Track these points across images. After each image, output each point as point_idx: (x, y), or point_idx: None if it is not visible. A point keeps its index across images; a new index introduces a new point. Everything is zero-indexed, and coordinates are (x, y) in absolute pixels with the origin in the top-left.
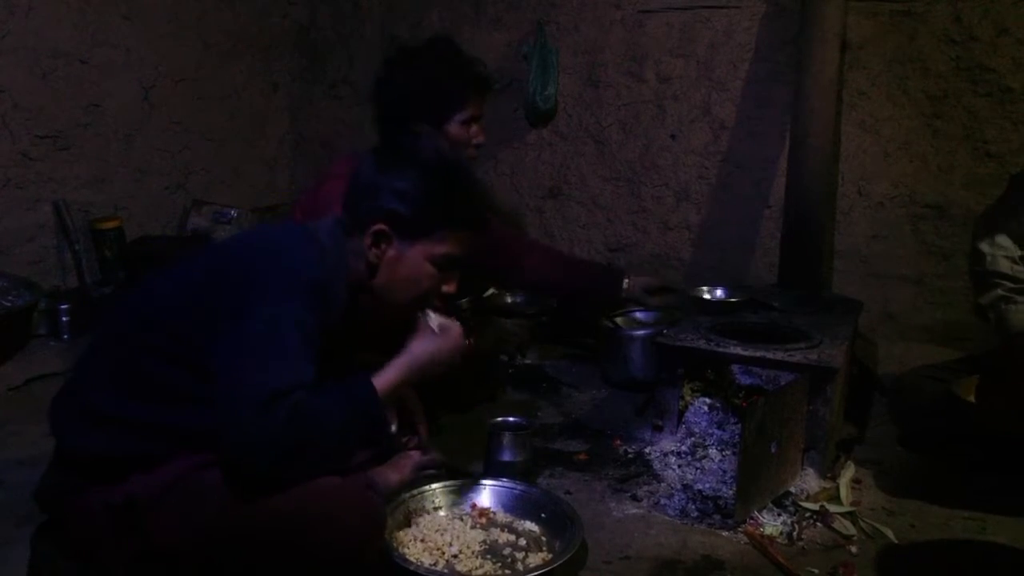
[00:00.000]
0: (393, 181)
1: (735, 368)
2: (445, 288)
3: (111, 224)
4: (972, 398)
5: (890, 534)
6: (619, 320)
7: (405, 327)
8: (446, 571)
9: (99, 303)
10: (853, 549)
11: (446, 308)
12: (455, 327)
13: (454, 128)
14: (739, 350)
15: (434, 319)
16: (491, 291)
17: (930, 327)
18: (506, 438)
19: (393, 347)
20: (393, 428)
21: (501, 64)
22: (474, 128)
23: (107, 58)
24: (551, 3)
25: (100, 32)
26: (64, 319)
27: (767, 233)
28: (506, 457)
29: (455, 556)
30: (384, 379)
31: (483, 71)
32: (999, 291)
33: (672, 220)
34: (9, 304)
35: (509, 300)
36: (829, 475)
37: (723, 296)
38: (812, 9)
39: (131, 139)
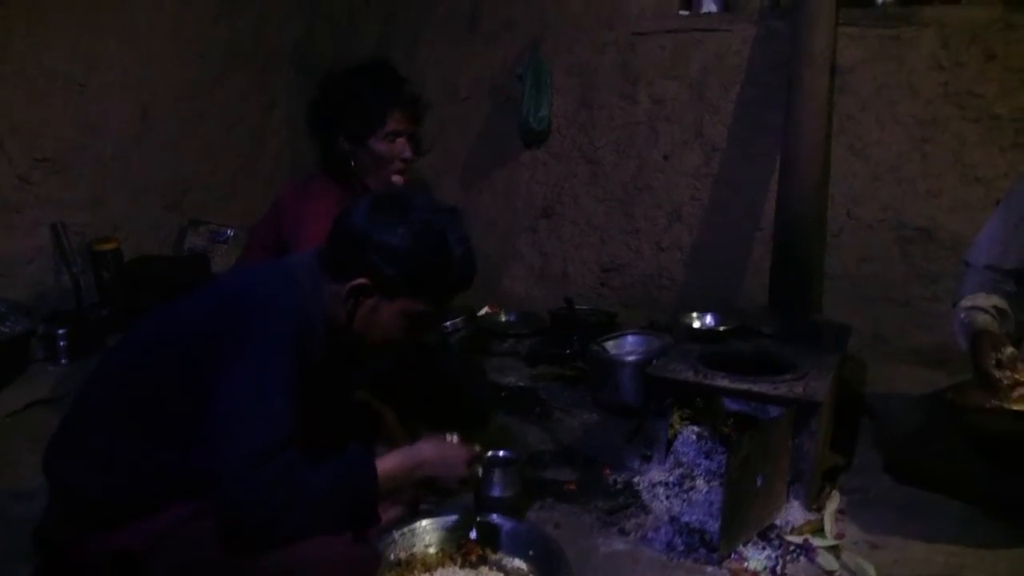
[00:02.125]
0: (382, 238)
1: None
2: (413, 337)
3: (109, 246)
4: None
5: (871, 571)
6: (609, 345)
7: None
8: None
9: (97, 325)
10: None
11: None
12: (465, 451)
13: (377, 143)
14: (727, 383)
15: (454, 438)
16: (484, 310)
17: (918, 349)
18: (496, 474)
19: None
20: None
21: (496, 82)
22: (399, 142)
23: (104, 79)
24: (545, 23)
25: (96, 54)
26: (62, 343)
27: (758, 254)
28: (496, 492)
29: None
30: (386, 466)
31: (407, 89)
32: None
33: (665, 240)
34: (7, 330)
35: (503, 319)
36: (814, 506)
37: (713, 323)
38: (802, 34)
39: (128, 160)
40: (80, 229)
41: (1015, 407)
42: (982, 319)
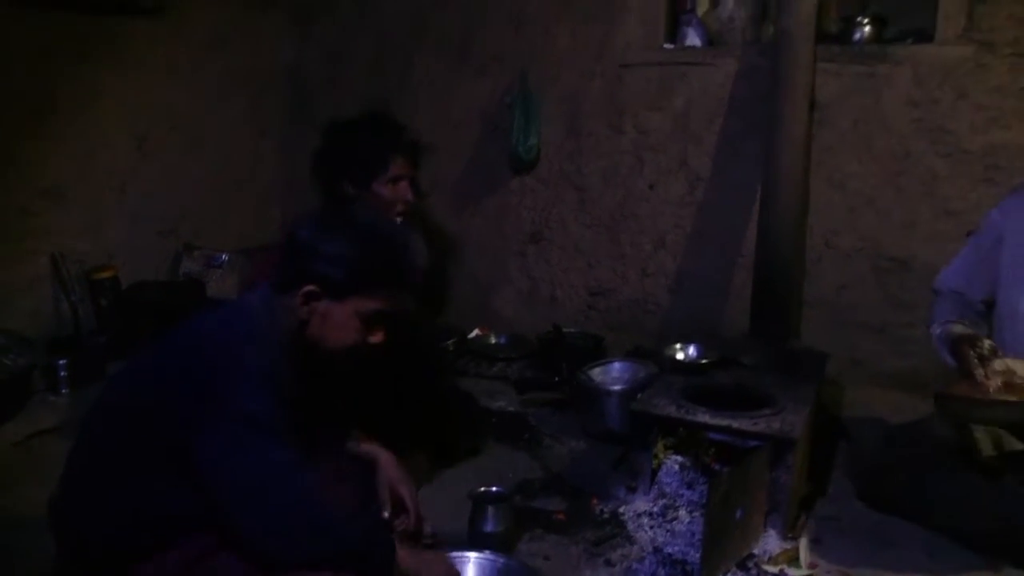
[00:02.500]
0: (326, 246)
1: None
2: (372, 339)
3: (106, 274)
4: None
5: None
6: (595, 373)
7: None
8: None
9: (96, 353)
10: None
11: (377, 357)
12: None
13: (381, 187)
14: (707, 418)
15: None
16: (475, 332)
17: (894, 374)
18: (488, 511)
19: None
20: (386, 514)
21: (485, 111)
22: (401, 185)
23: (101, 108)
24: (533, 55)
25: (94, 83)
26: (62, 374)
27: (740, 281)
28: (488, 528)
29: None
30: (403, 558)
31: (407, 136)
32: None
33: (650, 267)
34: (10, 363)
35: (492, 342)
36: (790, 535)
37: (695, 355)
38: (782, 69)
39: (124, 188)
40: (78, 258)
41: (1000, 397)
42: (958, 328)
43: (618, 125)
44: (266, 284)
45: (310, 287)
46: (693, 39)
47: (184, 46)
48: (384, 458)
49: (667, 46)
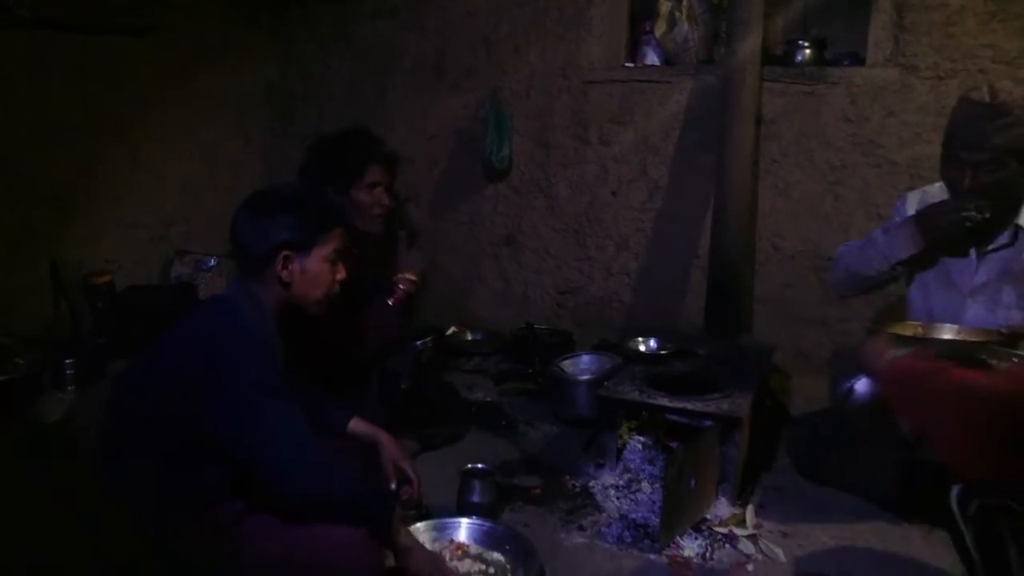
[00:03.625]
0: (276, 217)
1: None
2: (339, 277)
3: (103, 279)
4: None
5: (780, 554)
6: (566, 364)
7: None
8: None
9: (97, 353)
10: (750, 567)
11: (345, 296)
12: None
13: (359, 193)
14: (666, 401)
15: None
16: (452, 329)
17: None
18: (475, 484)
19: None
20: (392, 485)
21: (460, 125)
22: (377, 191)
23: (96, 122)
24: (504, 72)
25: (90, 99)
26: (68, 372)
27: (696, 279)
28: (475, 499)
29: None
30: (400, 535)
31: (383, 148)
32: None
33: (614, 267)
34: (23, 363)
35: (469, 338)
36: (739, 502)
37: (656, 347)
38: (732, 89)
39: (119, 197)
40: (76, 263)
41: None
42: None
43: (584, 137)
44: (236, 279)
45: (285, 252)
46: (652, 58)
47: (173, 63)
48: (386, 438)
49: (628, 65)
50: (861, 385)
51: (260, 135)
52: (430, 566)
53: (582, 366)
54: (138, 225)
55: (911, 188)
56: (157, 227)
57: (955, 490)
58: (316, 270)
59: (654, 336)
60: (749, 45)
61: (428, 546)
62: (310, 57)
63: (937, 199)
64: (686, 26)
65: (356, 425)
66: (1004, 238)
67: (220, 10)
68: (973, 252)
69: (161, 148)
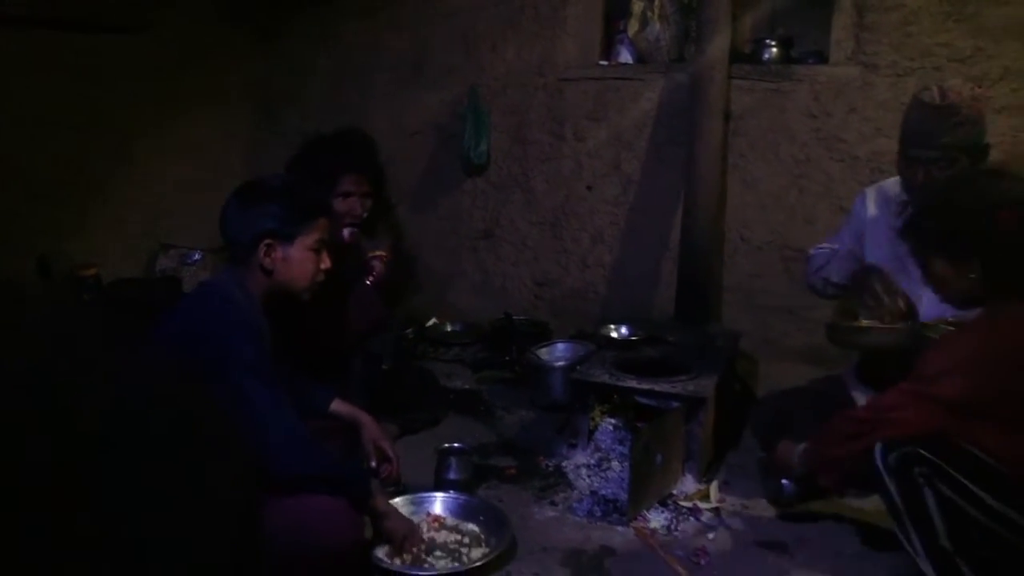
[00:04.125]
0: (262, 207)
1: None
2: (323, 266)
3: (90, 272)
4: None
5: (741, 524)
6: (542, 352)
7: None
8: (412, 569)
9: None
10: (711, 536)
11: (328, 285)
12: (416, 534)
13: (332, 201)
14: (634, 383)
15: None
16: (432, 321)
17: (799, 350)
18: (452, 460)
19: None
20: (373, 463)
21: (439, 122)
22: (350, 200)
23: (85, 118)
24: (482, 70)
25: (79, 95)
26: None
27: (667, 271)
28: (452, 475)
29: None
30: (377, 502)
31: (361, 156)
32: None
33: (589, 259)
34: None
35: (448, 329)
36: (705, 478)
37: (627, 333)
38: (701, 86)
39: (107, 193)
40: (64, 257)
41: (883, 325)
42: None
43: (559, 133)
44: (224, 266)
45: (267, 241)
46: (625, 57)
47: (161, 60)
48: (366, 419)
49: (602, 63)
50: (787, 483)
51: (244, 132)
52: (404, 528)
53: (557, 353)
54: (125, 220)
55: (873, 181)
56: (143, 221)
57: (878, 447)
58: (299, 258)
59: (626, 324)
60: (718, 44)
61: None
62: (294, 56)
63: (892, 193)
64: (658, 25)
65: (338, 406)
66: None
67: (208, 9)
68: None
69: (148, 144)
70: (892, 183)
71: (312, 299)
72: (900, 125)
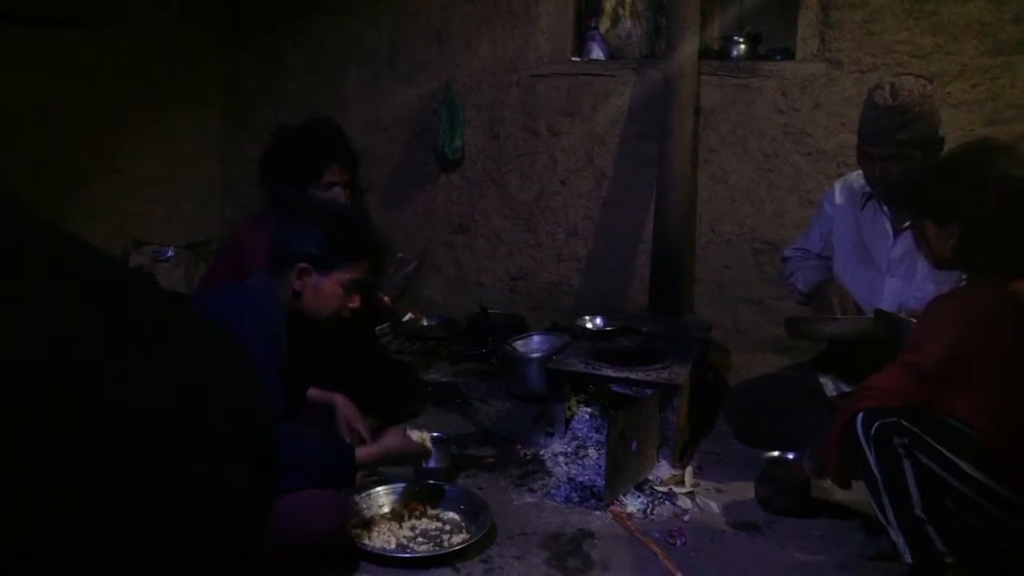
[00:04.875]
0: (309, 230)
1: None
2: (351, 305)
3: None
4: None
5: (715, 507)
6: (518, 344)
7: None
8: (394, 551)
9: None
10: (686, 518)
11: (355, 320)
12: (421, 444)
13: (315, 191)
14: (609, 372)
15: (415, 434)
16: (408, 316)
17: (769, 340)
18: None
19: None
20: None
21: (413, 117)
22: (334, 191)
23: (53, 115)
24: (456, 64)
25: (46, 92)
26: None
27: (641, 264)
28: (432, 464)
29: (400, 540)
30: (364, 453)
31: (342, 146)
32: None
33: (564, 253)
34: None
35: (425, 323)
36: (679, 464)
37: (602, 324)
38: (672, 82)
39: (79, 189)
40: None
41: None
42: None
43: (533, 128)
44: (262, 269)
45: (302, 264)
46: (597, 53)
47: (129, 56)
48: (341, 401)
49: (574, 59)
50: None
51: (217, 128)
52: (407, 449)
53: (533, 345)
54: (96, 216)
55: (839, 174)
56: (114, 218)
57: (860, 416)
58: (329, 292)
59: (601, 316)
60: (688, 41)
61: (386, 509)
62: (267, 51)
63: (857, 185)
64: (629, 22)
65: (313, 393)
66: None
67: (177, 3)
68: (890, 230)
69: (118, 140)
70: (857, 176)
71: (329, 332)
72: (858, 122)
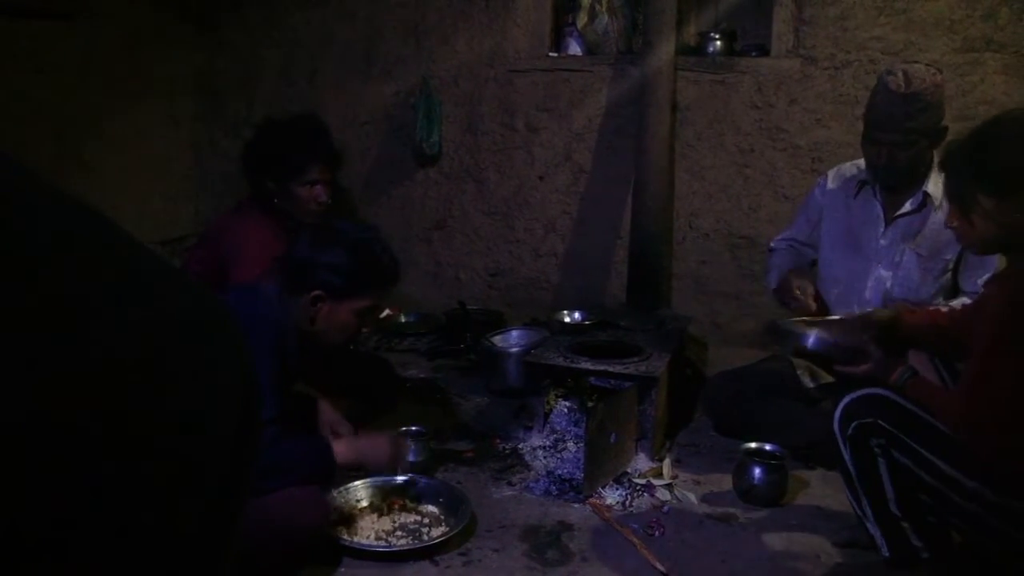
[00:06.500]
0: (325, 258)
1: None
2: (363, 329)
3: None
4: None
5: (693, 498)
6: (497, 339)
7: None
8: (374, 545)
9: None
10: (665, 509)
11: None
12: (392, 446)
13: (297, 188)
14: (588, 365)
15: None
16: (386, 312)
17: (746, 333)
18: (410, 444)
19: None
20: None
21: (390, 112)
22: (316, 188)
23: (20, 108)
24: (433, 60)
25: (12, 84)
26: None
27: (619, 259)
28: (411, 458)
29: (379, 534)
30: (339, 450)
31: (326, 144)
32: None
33: (542, 249)
34: None
35: (403, 320)
36: (658, 456)
37: (580, 319)
38: (649, 78)
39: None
40: None
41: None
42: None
43: (511, 124)
44: (274, 287)
45: (316, 292)
46: (574, 48)
47: (99, 49)
48: (322, 403)
49: (552, 54)
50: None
51: (189, 123)
52: (384, 454)
53: (512, 340)
54: None
55: (814, 170)
56: None
57: (837, 413)
58: (343, 320)
59: (579, 310)
60: (665, 37)
61: (365, 503)
62: (239, 45)
63: (849, 174)
64: (606, 18)
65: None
66: (911, 204)
67: None
68: (881, 218)
69: (88, 135)
70: (849, 166)
71: (338, 351)
72: (865, 108)
